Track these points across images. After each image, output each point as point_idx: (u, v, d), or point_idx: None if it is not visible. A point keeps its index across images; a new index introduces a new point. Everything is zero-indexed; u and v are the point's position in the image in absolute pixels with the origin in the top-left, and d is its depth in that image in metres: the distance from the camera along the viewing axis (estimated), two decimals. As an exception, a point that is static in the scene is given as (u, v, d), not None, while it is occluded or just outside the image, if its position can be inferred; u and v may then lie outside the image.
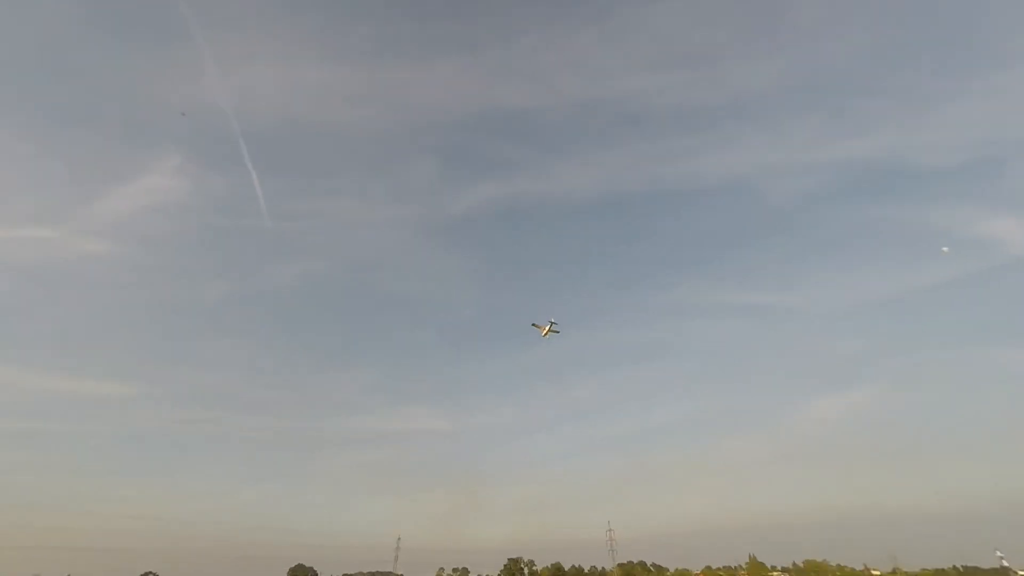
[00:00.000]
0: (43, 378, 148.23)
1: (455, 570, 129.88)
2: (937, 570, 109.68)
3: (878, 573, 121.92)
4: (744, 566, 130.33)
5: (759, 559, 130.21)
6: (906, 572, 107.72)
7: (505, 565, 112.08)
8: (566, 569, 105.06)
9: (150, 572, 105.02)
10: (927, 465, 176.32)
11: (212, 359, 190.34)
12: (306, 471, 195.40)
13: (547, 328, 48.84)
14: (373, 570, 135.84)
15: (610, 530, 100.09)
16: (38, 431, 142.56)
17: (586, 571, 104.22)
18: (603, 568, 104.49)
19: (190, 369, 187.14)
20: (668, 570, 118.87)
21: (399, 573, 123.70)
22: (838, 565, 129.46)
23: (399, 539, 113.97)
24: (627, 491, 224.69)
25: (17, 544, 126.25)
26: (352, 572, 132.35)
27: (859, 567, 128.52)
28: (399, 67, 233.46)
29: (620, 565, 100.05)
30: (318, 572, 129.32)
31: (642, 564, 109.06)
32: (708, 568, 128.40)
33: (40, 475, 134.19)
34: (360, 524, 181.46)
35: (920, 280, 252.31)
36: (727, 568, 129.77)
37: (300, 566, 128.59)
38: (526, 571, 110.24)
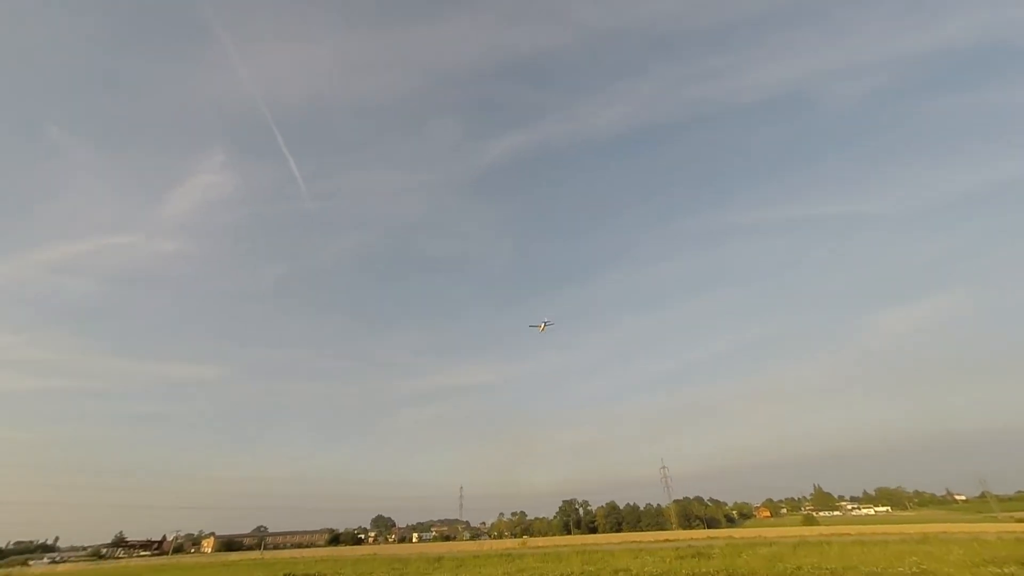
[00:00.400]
0: (152, 366, 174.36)
1: (514, 514, 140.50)
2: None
3: (963, 498, 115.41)
4: (808, 497, 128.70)
5: (825, 489, 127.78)
6: (998, 497, 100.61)
7: (560, 507, 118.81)
8: (620, 508, 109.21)
9: (261, 526, 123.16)
10: (1015, 380, 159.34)
11: (280, 336, 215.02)
12: (374, 431, 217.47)
13: (543, 325, 52.23)
14: (442, 518, 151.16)
15: (664, 467, 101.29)
16: (157, 413, 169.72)
17: (641, 508, 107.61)
18: (658, 505, 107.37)
19: (264, 347, 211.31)
20: (727, 504, 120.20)
21: (464, 520, 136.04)
22: (915, 492, 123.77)
23: (461, 489, 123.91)
24: (681, 427, 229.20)
25: (153, 504, 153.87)
26: (424, 520, 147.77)
27: (940, 493, 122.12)
28: (410, 27, 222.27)
29: (676, 502, 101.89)
30: (395, 521, 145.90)
31: (699, 500, 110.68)
32: (770, 500, 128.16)
33: (164, 448, 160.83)
34: (427, 477, 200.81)
35: (1004, 173, 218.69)
36: (790, 500, 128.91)
37: (380, 516, 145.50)
38: (580, 511, 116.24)
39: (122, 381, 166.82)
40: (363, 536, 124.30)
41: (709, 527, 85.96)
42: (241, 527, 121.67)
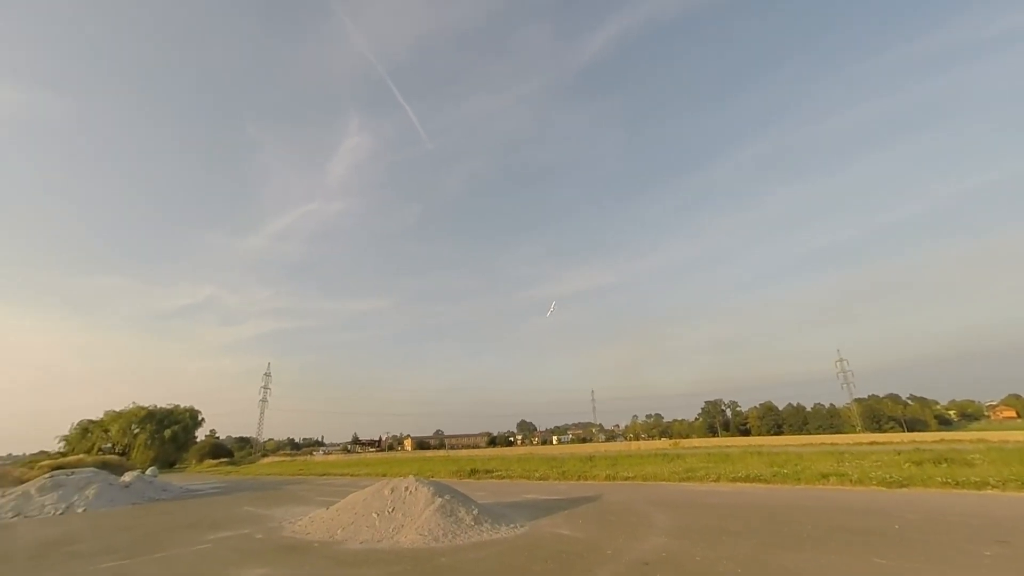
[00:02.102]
0: (344, 303, 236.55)
1: (648, 416, 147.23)
2: None
3: None
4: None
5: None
6: None
7: (703, 408, 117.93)
8: (780, 408, 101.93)
9: (439, 429, 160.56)
10: None
11: (426, 265, 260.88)
12: (509, 341, 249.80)
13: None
14: (577, 421, 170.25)
15: (842, 359, 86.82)
16: (355, 340, 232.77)
17: (808, 409, 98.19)
18: (831, 405, 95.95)
19: (416, 276, 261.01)
20: (937, 403, 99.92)
21: (597, 423, 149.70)
22: None
23: (592, 392, 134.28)
24: (860, 311, 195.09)
25: (369, 412, 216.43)
26: (560, 424, 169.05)
27: None
28: None
29: (859, 400, 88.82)
30: (535, 425, 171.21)
31: (893, 397, 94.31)
32: (1015, 397, 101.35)
33: (365, 368, 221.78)
34: (560, 382, 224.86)
35: None
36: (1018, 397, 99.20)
37: (523, 421, 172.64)
38: (728, 412, 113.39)
39: (330, 316, 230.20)
40: (512, 439, 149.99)
41: (910, 431, 73.21)
42: (426, 430, 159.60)
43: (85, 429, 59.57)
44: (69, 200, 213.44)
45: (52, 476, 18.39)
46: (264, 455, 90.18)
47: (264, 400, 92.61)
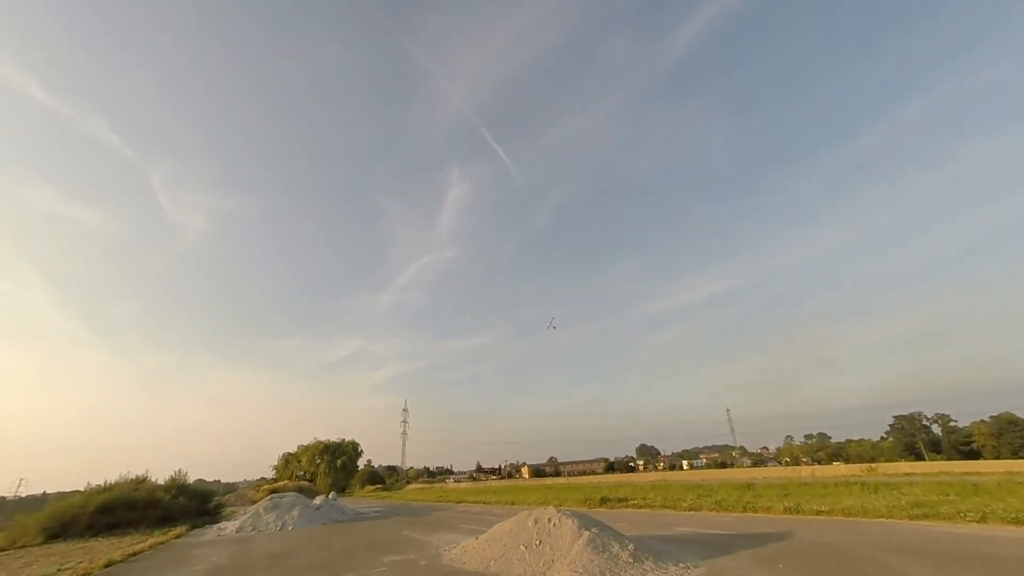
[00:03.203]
0: (451, 342, 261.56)
1: (809, 437, 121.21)
2: None
3: None
4: None
5: None
6: None
7: (893, 424, 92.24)
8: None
9: (552, 456, 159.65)
10: None
11: (526, 298, 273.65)
12: (620, 363, 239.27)
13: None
14: (710, 444, 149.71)
15: None
16: (469, 376, 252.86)
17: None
18: None
19: (518, 310, 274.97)
20: None
21: (738, 445, 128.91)
22: None
23: (728, 411, 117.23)
24: None
25: (487, 441, 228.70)
26: (689, 447, 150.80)
27: None
28: None
29: None
30: (658, 449, 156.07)
31: None
32: None
33: (480, 401, 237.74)
34: (683, 402, 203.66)
35: None
36: None
37: (643, 445, 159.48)
38: (936, 429, 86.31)
39: (448, 355, 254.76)
40: (633, 464, 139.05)
41: None
42: (540, 457, 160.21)
43: (286, 460, 74.50)
44: (261, 281, 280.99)
45: (270, 499, 23.50)
46: (408, 482, 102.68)
47: (404, 433, 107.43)
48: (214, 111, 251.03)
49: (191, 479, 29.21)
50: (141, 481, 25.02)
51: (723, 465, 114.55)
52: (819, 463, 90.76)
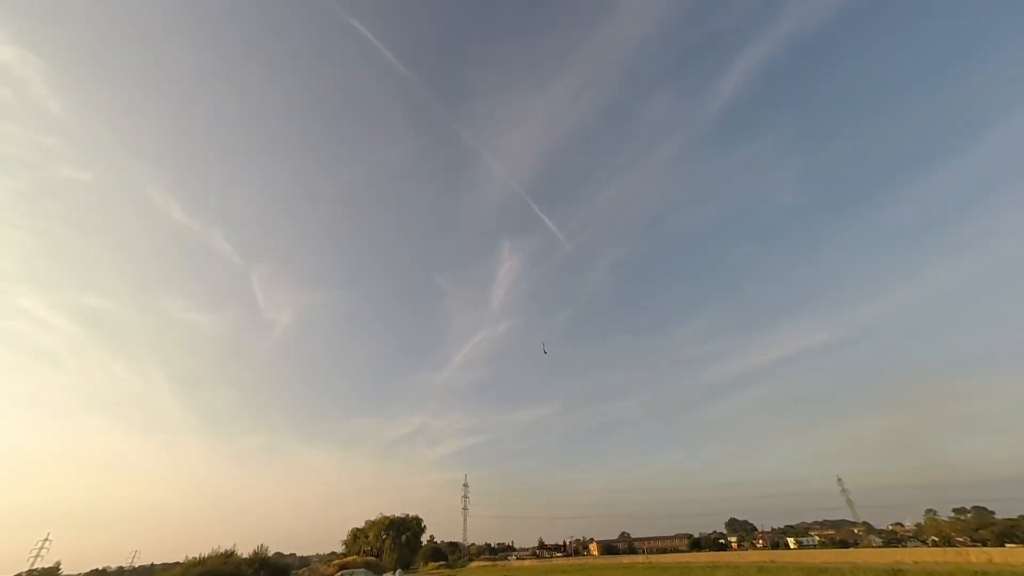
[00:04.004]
0: (509, 415, 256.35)
1: (959, 511, 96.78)
2: None
3: None
4: None
5: None
6: None
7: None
8: None
9: (624, 532, 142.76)
10: None
11: (581, 366, 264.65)
12: (694, 430, 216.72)
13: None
14: (820, 519, 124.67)
15: None
16: (529, 448, 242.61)
17: None
18: None
19: (573, 379, 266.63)
20: None
21: (860, 520, 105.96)
22: None
23: (840, 481, 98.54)
24: None
25: (528, 516, 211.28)
26: (793, 522, 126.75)
27: None
28: (585, 30, 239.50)
29: None
30: (754, 524, 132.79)
31: None
32: None
33: (528, 474, 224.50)
34: (785, 472, 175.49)
35: None
36: None
37: (734, 519, 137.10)
38: None
39: (506, 428, 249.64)
40: (724, 541, 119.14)
41: None
42: (610, 532, 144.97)
43: (355, 535, 74.94)
44: (334, 366, 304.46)
45: (341, 574, 24.80)
46: (470, 559, 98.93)
47: (465, 508, 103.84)
48: (301, 216, 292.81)
49: (271, 552, 31.34)
50: (229, 555, 27.36)
51: (843, 544, 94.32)
52: (983, 544, 71.16)
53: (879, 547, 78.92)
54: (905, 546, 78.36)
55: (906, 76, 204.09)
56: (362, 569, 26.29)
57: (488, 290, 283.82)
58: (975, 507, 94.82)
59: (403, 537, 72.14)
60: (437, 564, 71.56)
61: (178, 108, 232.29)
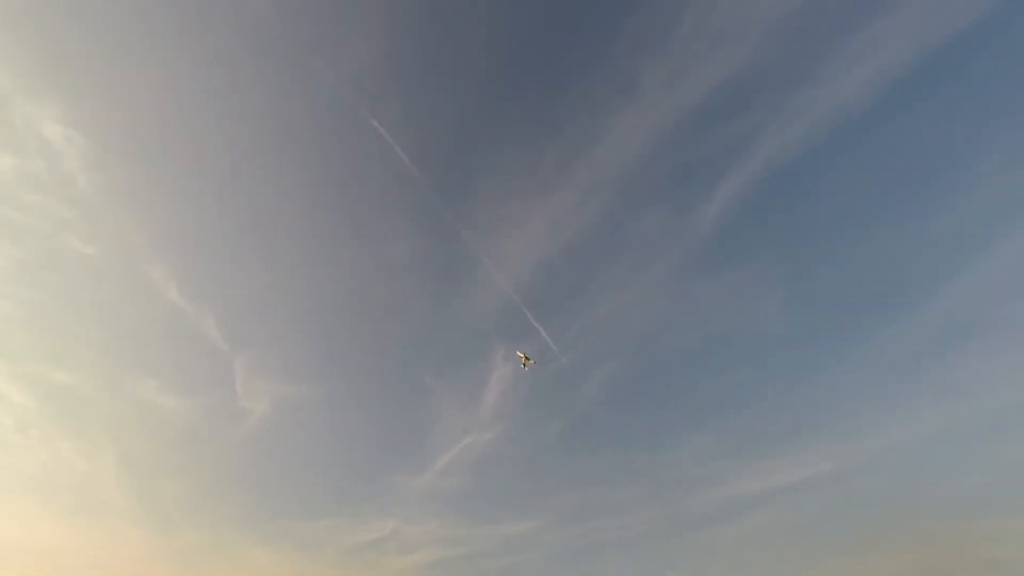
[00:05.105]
0: (491, 527, 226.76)
1: None
2: None
3: None
4: None
5: None
6: None
7: None
8: None
9: None
10: None
11: (572, 481, 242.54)
12: (692, 556, 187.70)
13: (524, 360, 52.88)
14: None
15: None
16: (513, 563, 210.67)
17: None
18: None
19: (564, 493, 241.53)
20: None
21: None
22: None
23: None
24: None
25: None
26: None
27: None
28: (585, 143, 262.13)
29: None
30: None
31: None
32: None
33: None
34: None
35: None
36: None
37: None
38: None
39: (488, 541, 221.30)
40: None
41: None
42: None
43: None
44: (308, 462, 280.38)
45: None
46: None
47: None
48: (297, 306, 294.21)
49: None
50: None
51: None
52: None
53: None
54: None
55: (891, 207, 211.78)
56: None
57: (479, 395, 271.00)
58: None
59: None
60: None
61: (197, 188, 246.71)
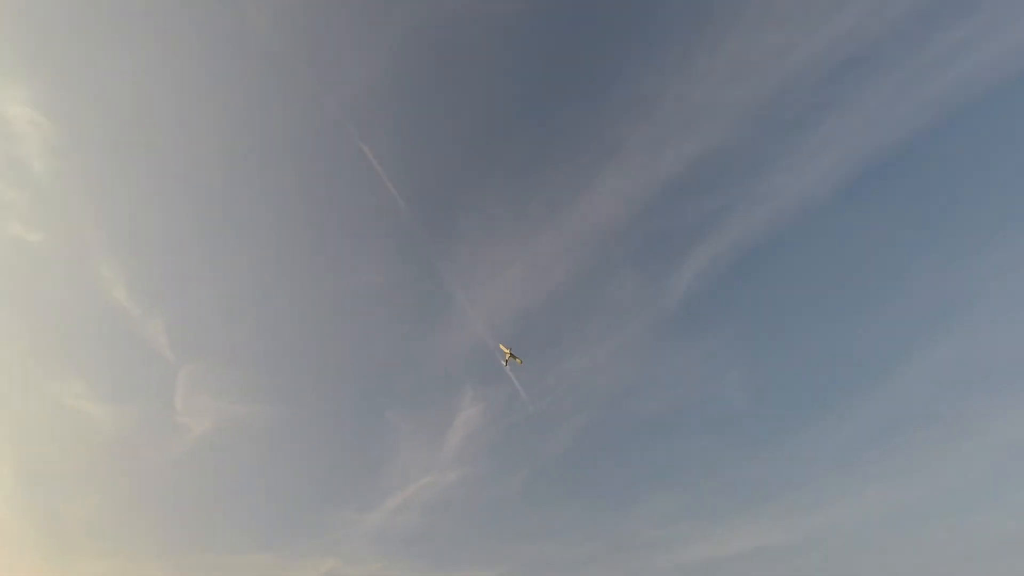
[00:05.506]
0: (444, 574, 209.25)
1: None
2: None
3: None
4: None
5: None
6: None
7: None
8: None
9: None
10: None
11: (533, 531, 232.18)
12: None
13: (508, 354, 49.63)
14: None
15: None
16: None
17: None
18: None
19: (523, 545, 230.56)
20: None
21: None
22: None
23: None
24: None
25: None
26: None
27: None
28: (567, 205, 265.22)
29: None
30: None
31: None
32: None
33: None
34: None
35: None
36: None
37: None
38: None
39: None
40: None
41: None
42: None
43: None
44: (246, 489, 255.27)
45: None
46: None
47: None
48: (261, 323, 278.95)
49: None
50: None
51: None
52: None
53: None
54: None
55: (847, 295, 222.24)
56: None
57: (442, 436, 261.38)
58: None
59: None
60: None
61: (166, 188, 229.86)
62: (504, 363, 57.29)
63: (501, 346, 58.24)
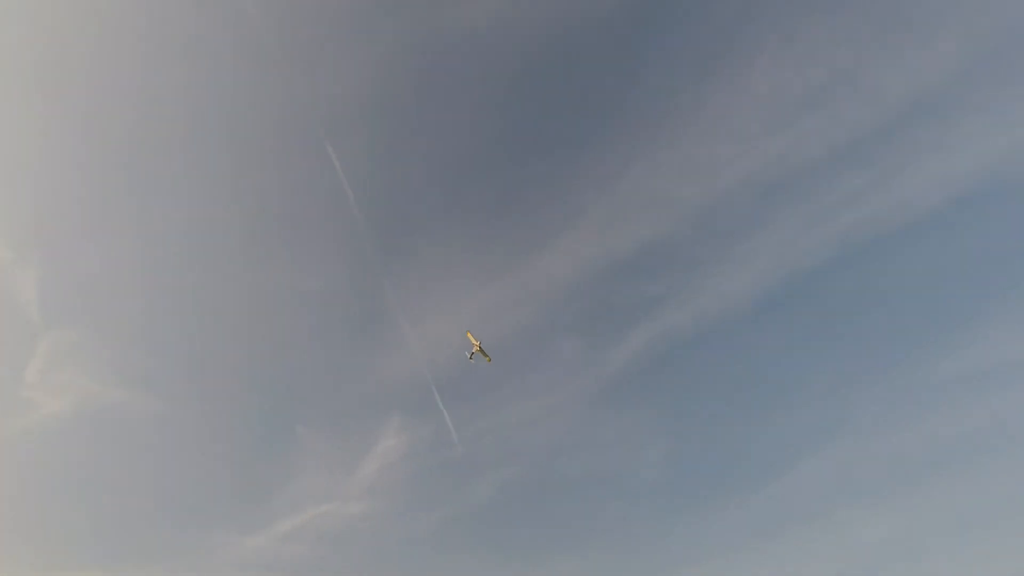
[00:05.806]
0: None
1: None
2: None
3: None
4: None
5: None
6: None
7: None
8: None
9: None
10: None
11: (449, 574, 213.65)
12: None
13: (476, 347, 47.98)
14: None
15: None
16: None
17: None
18: None
19: None
20: None
21: None
22: None
23: None
24: None
25: None
26: None
27: None
28: (525, 263, 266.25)
29: None
30: None
31: None
32: None
33: None
34: None
35: None
36: None
37: None
38: None
39: None
40: None
41: None
42: None
43: None
44: (108, 492, 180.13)
45: None
46: None
47: None
48: (158, 300, 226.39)
49: None
50: None
51: None
52: None
53: None
54: None
55: (762, 392, 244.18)
56: None
57: (356, 462, 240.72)
58: None
59: None
60: None
61: (75, 132, 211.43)
62: (469, 356, 51.33)
63: (468, 335, 51.88)
